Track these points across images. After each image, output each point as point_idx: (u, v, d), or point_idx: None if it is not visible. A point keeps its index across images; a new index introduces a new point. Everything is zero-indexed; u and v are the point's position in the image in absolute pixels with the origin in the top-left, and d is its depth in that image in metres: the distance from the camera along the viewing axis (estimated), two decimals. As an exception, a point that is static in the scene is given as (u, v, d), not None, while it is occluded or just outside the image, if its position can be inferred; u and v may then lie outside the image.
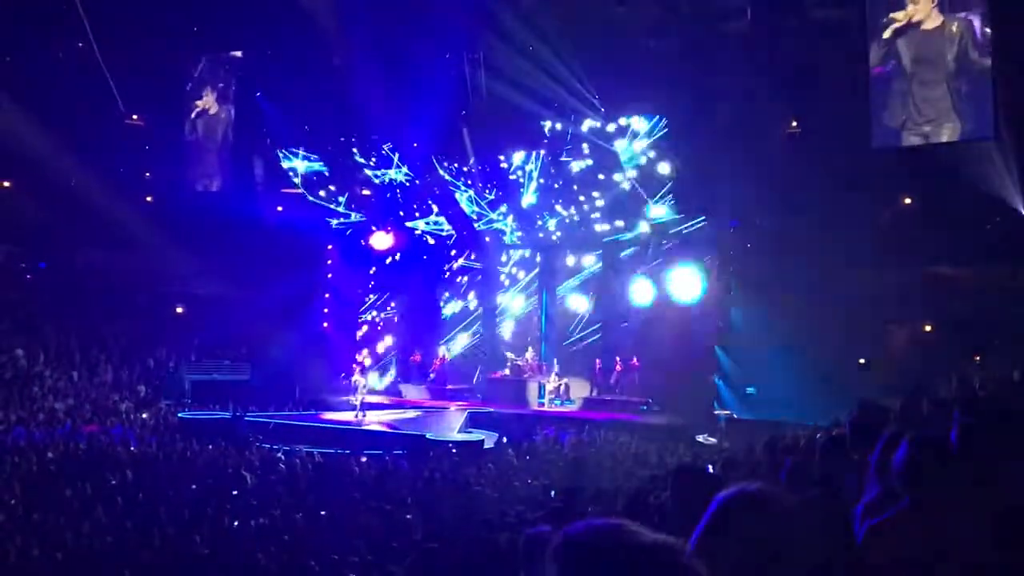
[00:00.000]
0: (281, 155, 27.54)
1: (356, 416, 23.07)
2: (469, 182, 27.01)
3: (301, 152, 27.48)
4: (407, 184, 27.86)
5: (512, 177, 26.62)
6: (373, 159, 27.58)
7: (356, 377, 24.26)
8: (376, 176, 27.85)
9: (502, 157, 26.50)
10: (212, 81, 27.15)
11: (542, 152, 25.84)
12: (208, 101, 27.09)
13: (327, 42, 24.31)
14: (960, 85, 18.09)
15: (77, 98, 25.15)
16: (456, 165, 26.93)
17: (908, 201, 22.63)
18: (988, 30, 17.74)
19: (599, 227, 25.98)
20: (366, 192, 28.46)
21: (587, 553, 1.47)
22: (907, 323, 22.45)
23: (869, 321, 21.43)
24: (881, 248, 20.98)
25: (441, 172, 26.99)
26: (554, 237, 27.15)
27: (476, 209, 27.40)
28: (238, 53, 26.67)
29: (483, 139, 25.89)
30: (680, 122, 23.12)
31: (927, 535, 2.68)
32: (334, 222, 28.41)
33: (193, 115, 27.23)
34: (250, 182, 28.08)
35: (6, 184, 27.49)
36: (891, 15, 18.59)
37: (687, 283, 24.41)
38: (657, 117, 23.77)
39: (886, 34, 18.60)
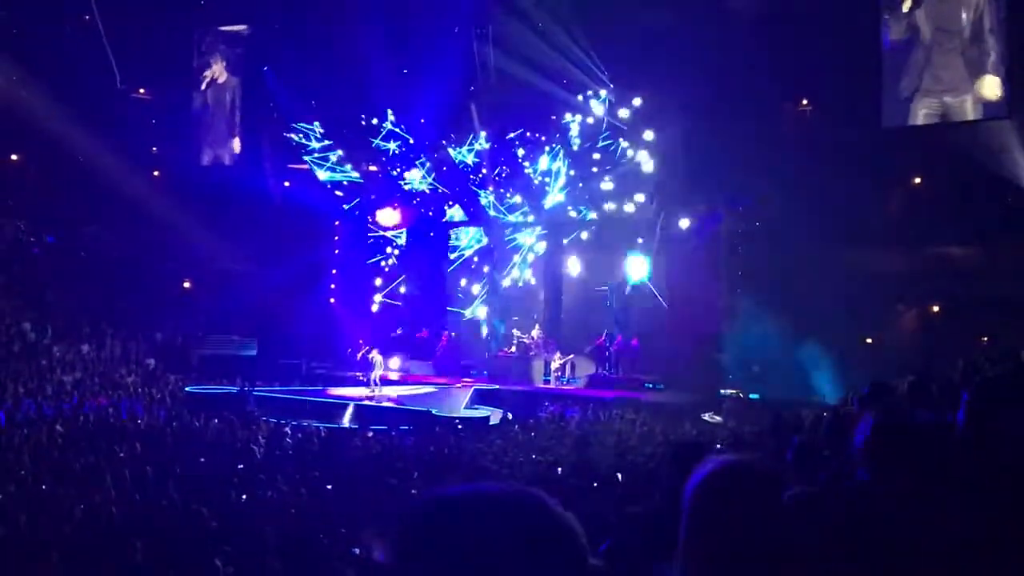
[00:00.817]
0: (289, 129, 27.48)
1: (372, 391, 23.13)
2: (489, 186, 27.06)
3: (309, 127, 27.42)
4: (414, 161, 27.82)
5: (537, 181, 26.57)
6: (381, 134, 27.52)
7: (373, 354, 24.36)
8: (382, 151, 27.80)
9: (527, 164, 26.38)
10: (220, 52, 27.06)
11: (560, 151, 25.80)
12: (217, 70, 27.02)
13: (334, 16, 24.19)
14: (976, 54, 17.92)
15: (85, 72, 25.11)
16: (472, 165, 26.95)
17: (917, 181, 22.53)
18: (1004, 4, 17.58)
19: (608, 206, 25.93)
20: (373, 168, 28.42)
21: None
22: (915, 303, 22.42)
23: (877, 301, 21.41)
24: (889, 228, 20.93)
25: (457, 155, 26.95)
26: (561, 215, 27.08)
27: (495, 214, 27.44)
28: (245, 27, 26.56)
29: (491, 115, 25.80)
30: (687, 100, 22.98)
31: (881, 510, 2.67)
32: (345, 206, 28.39)
33: (202, 86, 27.16)
34: (257, 157, 28.07)
35: (14, 158, 27.52)
36: None
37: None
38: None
39: (905, 6, 18.40)
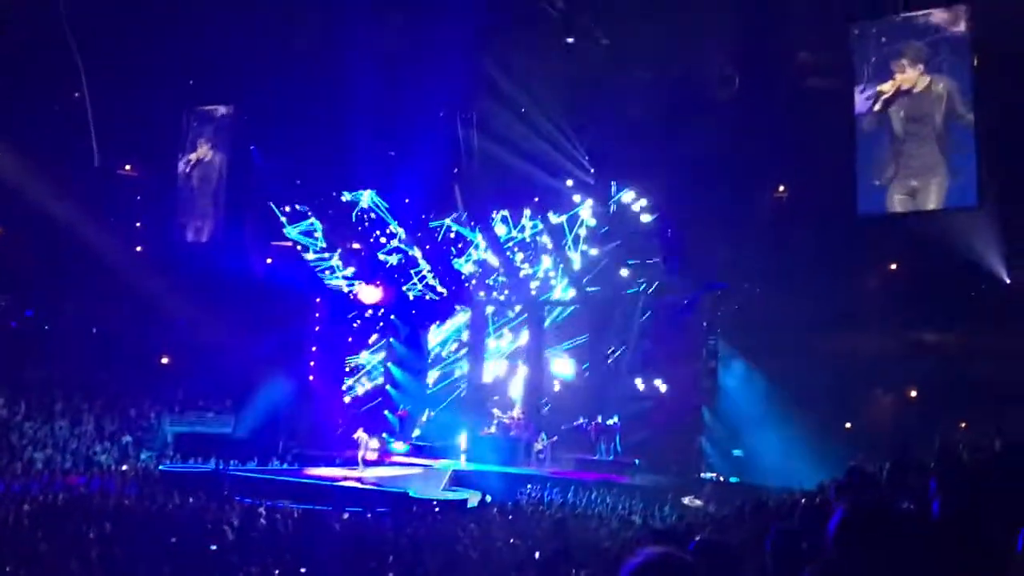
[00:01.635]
0: (273, 208, 27.67)
1: (359, 472, 22.86)
2: (472, 266, 27.39)
3: (294, 204, 27.64)
4: (397, 241, 28.04)
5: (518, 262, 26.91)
6: (365, 213, 27.77)
7: (359, 433, 24.13)
8: (366, 230, 28.02)
9: (509, 245, 26.73)
10: (206, 130, 27.33)
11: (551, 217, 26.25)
12: (203, 150, 27.25)
13: (322, 97, 24.57)
14: (948, 146, 18.34)
15: (71, 148, 25.28)
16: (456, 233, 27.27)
17: (893, 267, 22.88)
18: (970, 98, 18.08)
19: (590, 288, 26.14)
20: (356, 245, 28.57)
21: None
22: (893, 388, 22.53)
23: (855, 386, 21.52)
24: (867, 313, 21.16)
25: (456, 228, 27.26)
26: (543, 295, 27.27)
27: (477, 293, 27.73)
28: (230, 108, 26.88)
29: (475, 197, 26.14)
30: (667, 186, 23.42)
31: None
32: (326, 279, 28.44)
33: (188, 163, 27.34)
34: (241, 233, 28.14)
35: (-4, 231, 27.51)
36: (879, 88, 18.92)
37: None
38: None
39: (877, 107, 18.90)
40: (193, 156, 27.00)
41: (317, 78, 23.72)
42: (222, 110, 26.90)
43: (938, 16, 18.30)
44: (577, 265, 26.32)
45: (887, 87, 18.73)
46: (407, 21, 22.45)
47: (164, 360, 28.44)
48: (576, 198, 25.77)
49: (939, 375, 20.70)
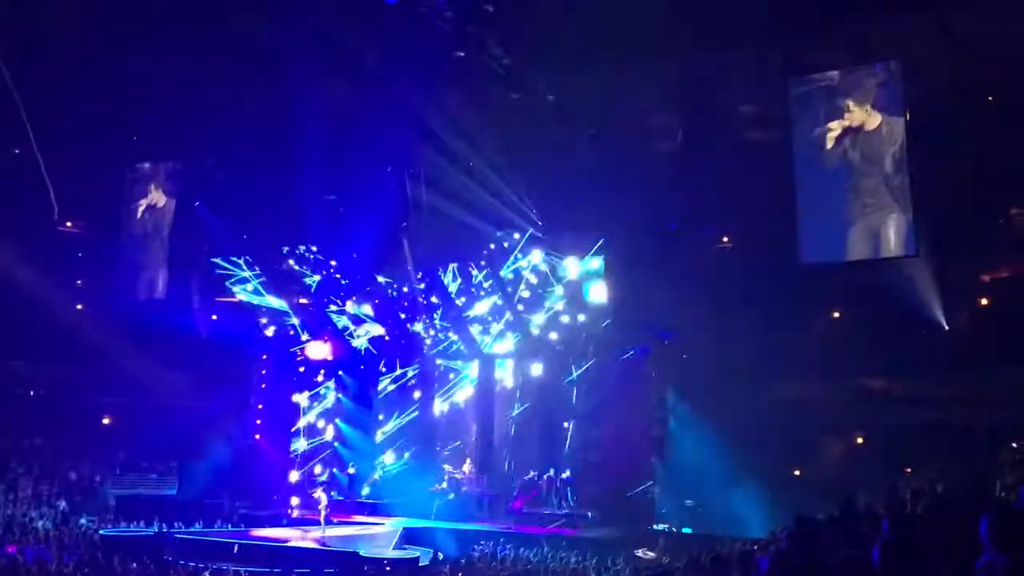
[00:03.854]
0: (218, 263, 27.38)
1: (321, 533, 22.39)
2: (421, 320, 27.33)
3: (240, 260, 27.38)
4: (345, 296, 27.88)
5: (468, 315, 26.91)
6: (312, 271, 27.61)
7: (319, 493, 23.67)
8: (314, 285, 27.84)
9: (459, 299, 26.82)
10: (154, 183, 27.06)
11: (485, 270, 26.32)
12: (154, 197, 26.91)
13: (269, 152, 24.54)
14: (892, 193, 18.77)
15: (9, 203, 24.84)
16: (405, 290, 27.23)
17: (836, 315, 23.33)
18: (904, 149, 18.62)
19: (538, 338, 26.18)
20: (303, 301, 28.30)
21: None
22: (841, 435, 22.81)
23: (804, 433, 21.74)
24: (814, 361, 21.48)
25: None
26: (495, 348, 27.21)
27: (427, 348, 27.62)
28: (175, 164, 26.69)
29: (424, 251, 26.16)
30: (614, 237, 23.71)
31: None
32: (270, 331, 28.10)
33: (138, 211, 26.97)
34: (186, 290, 27.76)
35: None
36: (828, 125, 19.39)
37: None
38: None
39: (829, 144, 19.34)
40: (143, 202, 26.69)
41: (264, 134, 23.74)
42: (167, 166, 26.74)
43: (872, 72, 18.95)
44: (526, 317, 26.34)
45: (836, 125, 19.20)
46: (355, 77, 22.62)
47: (106, 420, 27.74)
48: (524, 250, 25.90)
49: (885, 421, 21.04)
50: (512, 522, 23.94)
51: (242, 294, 27.60)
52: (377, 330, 28.11)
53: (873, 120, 18.99)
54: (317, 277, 27.75)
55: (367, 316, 28.13)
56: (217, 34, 21.60)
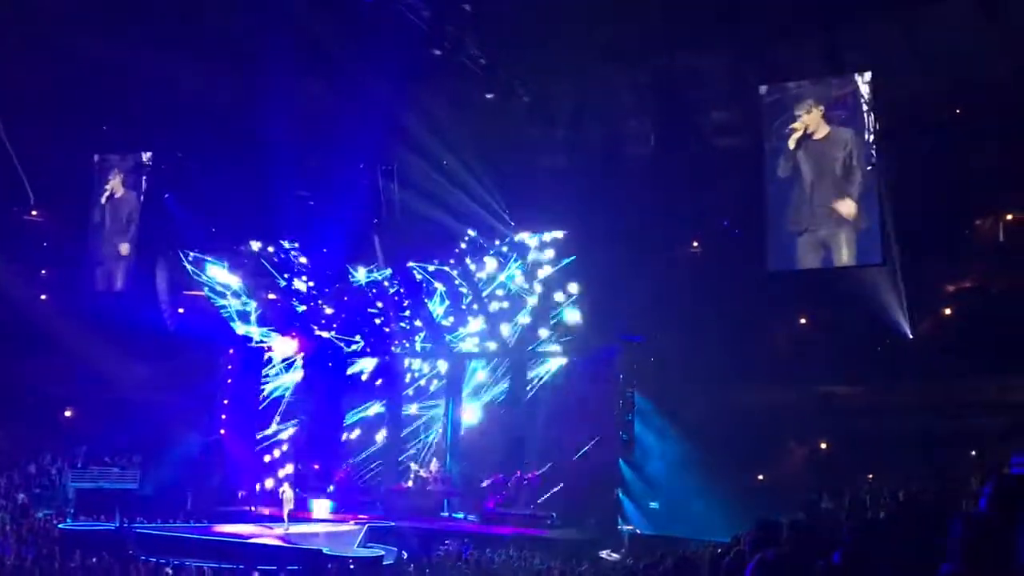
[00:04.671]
0: (186, 256, 27.11)
1: (284, 529, 22.20)
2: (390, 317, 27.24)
3: (208, 253, 27.12)
4: (314, 291, 27.74)
5: (437, 314, 26.84)
6: (281, 265, 27.43)
7: (284, 489, 23.49)
8: (283, 280, 27.65)
9: (428, 297, 26.71)
10: (121, 172, 26.69)
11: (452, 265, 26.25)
12: (115, 185, 26.52)
13: (240, 145, 24.32)
14: (854, 203, 18.99)
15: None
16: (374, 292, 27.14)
17: (803, 321, 23.55)
18: (871, 158, 18.83)
19: (507, 339, 26.17)
20: (272, 296, 28.10)
21: None
22: (804, 440, 23.02)
23: (768, 437, 21.92)
24: (779, 367, 21.67)
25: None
26: (462, 346, 27.17)
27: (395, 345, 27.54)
28: (145, 156, 26.35)
29: (394, 248, 26.06)
30: (586, 239, 23.76)
31: None
32: (240, 328, 27.86)
33: (102, 200, 26.58)
34: (152, 283, 27.42)
35: None
36: (791, 126, 19.57)
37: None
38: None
39: (791, 144, 19.51)
40: (107, 190, 26.29)
41: (237, 128, 23.51)
42: (137, 157, 26.38)
43: (843, 81, 19.16)
44: (495, 315, 26.31)
45: (798, 125, 19.37)
46: (329, 73, 22.50)
47: (68, 413, 27.35)
48: (494, 251, 25.89)
49: (848, 427, 21.28)
50: (478, 522, 23.95)
51: (209, 289, 27.35)
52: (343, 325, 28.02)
53: (836, 129, 19.21)
54: (286, 275, 27.58)
55: (335, 312, 28.01)
56: (191, 27, 21.38)
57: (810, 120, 19.38)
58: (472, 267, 26.25)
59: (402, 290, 27.21)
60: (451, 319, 27.12)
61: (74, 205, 26.75)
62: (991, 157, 19.58)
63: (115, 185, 26.48)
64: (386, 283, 27.13)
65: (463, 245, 26.05)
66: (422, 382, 28.25)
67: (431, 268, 26.67)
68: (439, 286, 26.84)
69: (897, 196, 18.97)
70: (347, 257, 26.84)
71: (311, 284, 27.79)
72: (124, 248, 26.61)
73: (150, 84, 22.75)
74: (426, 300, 26.96)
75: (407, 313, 27.54)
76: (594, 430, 23.99)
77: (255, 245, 27.31)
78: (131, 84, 22.86)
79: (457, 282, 26.54)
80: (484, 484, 25.02)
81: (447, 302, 26.92)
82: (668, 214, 22.27)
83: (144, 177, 26.69)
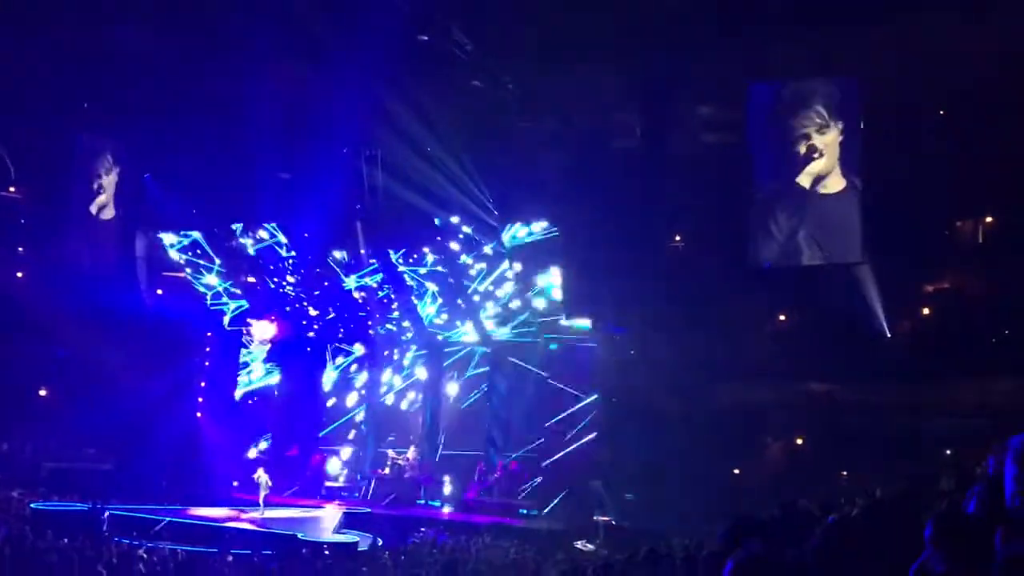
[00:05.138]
0: (165, 237, 26.90)
1: (259, 513, 22.12)
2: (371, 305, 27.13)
3: (188, 235, 26.93)
4: (297, 276, 27.59)
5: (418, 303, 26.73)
6: (262, 249, 27.25)
7: (259, 473, 23.43)
8: (263, 263, 27.50)
9: (409, 285, 26.59)
10: (102, 156, 26.49)
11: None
12: (100, 174, 26.33)
13: (223, 127, 24.12)
14: (839, 202, 19.11)
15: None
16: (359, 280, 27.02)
17: (783, 318, 23.66)
18: (857, 159, 18.96)
19: (490, 329, 26.13)
20: (251, 279, 27.93)
21: None
22: (781, 436, 23.17)
23: (745, 432, 22.04)
24: (757, 362, 21.77)
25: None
26: (443, 335, 27.12)
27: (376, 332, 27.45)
28: (126, 138, 26.11)
29: (377, 235, 25.94)
30: (569, 230, 23.73)
31: None
32: (226, 313, 27.70)
33: (86, 187, 26.36)
34: (131, 264, 27.22)
35: None
36: (777, 125, 19.59)
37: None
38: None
39: (776, 143, 19.56)
40: (87, 170, 26.09)
41: (219, 110, 23.30)
42: (117, 137, 26.18)
43: (828, 82, 19.26)
44: (478, 305, 26.25)
45: (784, 124, 19.42)
46: (313, 56, 22.32)
47: (42, 392, 27.11)
48: (478, 240, 25.80)
49: (825, 425, 21.42)
50: (454, 510, 24.00)
51: (188, 271, 27.18)
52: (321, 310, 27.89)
53: (821, 129, 19.31)
54: (268, 258, 27.42)
55: (314, 296, 27.88)
56: (174, 8, 21.17)
57: (796, 120, 19.49)
58: (456, 249, 26.05)
59: (383, 277, 27.07)
60: (435, 307, 27.00)
61: (53, 183, 26.50)
62: (973, 160, 19.69)
63: (101, 168, 26.28)
64: (375, 284, 26.98)
65: (445, 232, 25.91)
66: (403, 374, 28.19)
67: (413, 256, 26.50)
68: (428, 282, 26.70)
69: (878, 196, 19.09)
70: (329, 242, 26.67)
71: (291, 268, 27.61)
72: (103, 228, 26.43)
73: (132, 65, 22.53)
74: (407, 288, 26.82)
75: (388, 298, 27.41)
76: (572, 421, 24.04)
77: (236, 227, 27.11)
78: (113, 64, 22.63)
79: (439, 268, 26.38)
80: (469, 474, 25.06)
81: (428, 290, 26.81)
82: (652, 208, 22.27)
83: (125, 158, 26.49)
